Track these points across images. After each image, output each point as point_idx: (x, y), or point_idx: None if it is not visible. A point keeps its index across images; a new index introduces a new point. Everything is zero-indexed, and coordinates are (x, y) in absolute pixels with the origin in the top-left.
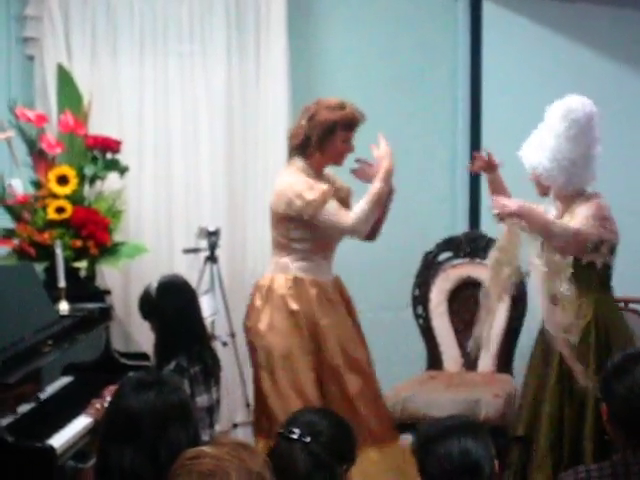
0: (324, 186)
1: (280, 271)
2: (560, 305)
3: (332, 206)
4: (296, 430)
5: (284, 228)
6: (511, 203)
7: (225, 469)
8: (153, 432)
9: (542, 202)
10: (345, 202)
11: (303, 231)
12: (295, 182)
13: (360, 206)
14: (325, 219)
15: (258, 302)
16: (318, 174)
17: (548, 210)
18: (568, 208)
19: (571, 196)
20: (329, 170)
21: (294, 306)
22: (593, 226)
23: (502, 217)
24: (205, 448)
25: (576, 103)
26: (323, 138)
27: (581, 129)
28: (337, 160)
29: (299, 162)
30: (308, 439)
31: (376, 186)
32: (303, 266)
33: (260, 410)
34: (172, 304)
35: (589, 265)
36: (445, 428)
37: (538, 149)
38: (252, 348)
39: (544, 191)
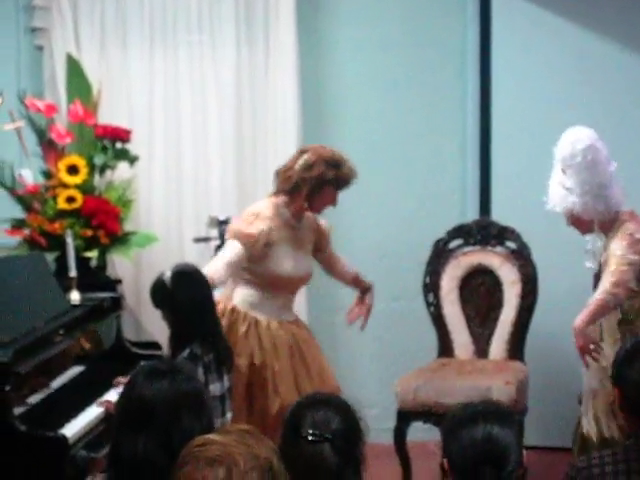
0: (258, 229)
1: (225, 297)
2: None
3: (226, 251)
4: (316, 431)
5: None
6: (578, 335)
7: (232, 455)
8: (166, 420)
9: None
10: (320, 244)
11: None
12: (252, 209)
13: (212, 269)
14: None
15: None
16: (296, 217)
17: (594, 244)
18: (608, 239)
19: (610, 223)
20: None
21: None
22: (630, 262)
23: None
24: (212, 435)
25: (578, 134)
26: (313, 192)
27: (593, 154)
28: (317, 211)
29: (280, 200)
30: (330, 436)
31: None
32: (245, 298)
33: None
34: (187, 293)
35: None
36: (473, 413)
37: (563, 194)
38: None
39: (587, 229)
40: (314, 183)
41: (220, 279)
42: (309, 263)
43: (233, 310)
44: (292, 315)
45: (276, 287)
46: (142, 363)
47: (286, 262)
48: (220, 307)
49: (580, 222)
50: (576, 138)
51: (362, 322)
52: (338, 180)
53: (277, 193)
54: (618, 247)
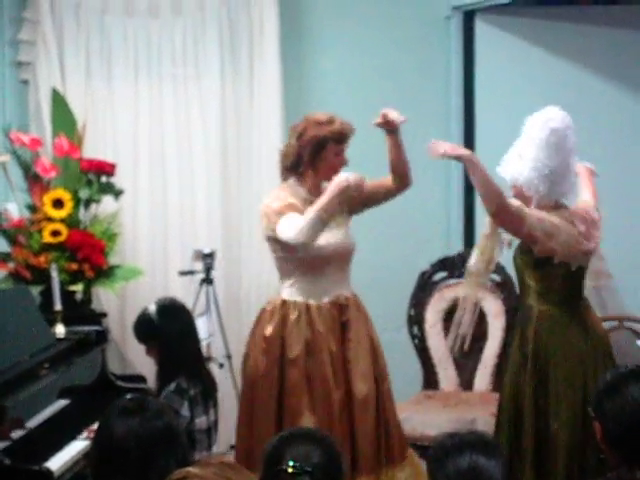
0: (289, 200)
1: (275, 294)
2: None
3: (286, 219)
4: (296, 464)
5: (272, 249)
6: (463, 149)
7: None
8: (141, 459)
9: None
10: (353, 199)
11: (284, 249)
12: (269, 198)
13: (304, 217)
14: (279, 234)
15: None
16: (313, 193)
17: None
18: None
19: (547, 208)
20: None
21: (268, 331)
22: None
23: (446, 156)
24: (191, 468)
25: (554, 113)
26: (315, 155)
27: (559, 138)
28: (331, 176)
29: (291, 182)
30: (310, 469)
31: (322, 201)
32: (291, 288)
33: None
34: (173, 326)
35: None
36: (459, 443)
37: (517, 161)
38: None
39: (526, 204)
40: (313, 146)
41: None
42: (345, 233)
43: (283, 303)
44: (348, 290)
45: (316, 267)
46: (113, 403)
47: (292, 223)
48: (269, 309)
49: (520, 195)
50: (550, 117)
51: None
52: (334, 134)
53: (284, 178)
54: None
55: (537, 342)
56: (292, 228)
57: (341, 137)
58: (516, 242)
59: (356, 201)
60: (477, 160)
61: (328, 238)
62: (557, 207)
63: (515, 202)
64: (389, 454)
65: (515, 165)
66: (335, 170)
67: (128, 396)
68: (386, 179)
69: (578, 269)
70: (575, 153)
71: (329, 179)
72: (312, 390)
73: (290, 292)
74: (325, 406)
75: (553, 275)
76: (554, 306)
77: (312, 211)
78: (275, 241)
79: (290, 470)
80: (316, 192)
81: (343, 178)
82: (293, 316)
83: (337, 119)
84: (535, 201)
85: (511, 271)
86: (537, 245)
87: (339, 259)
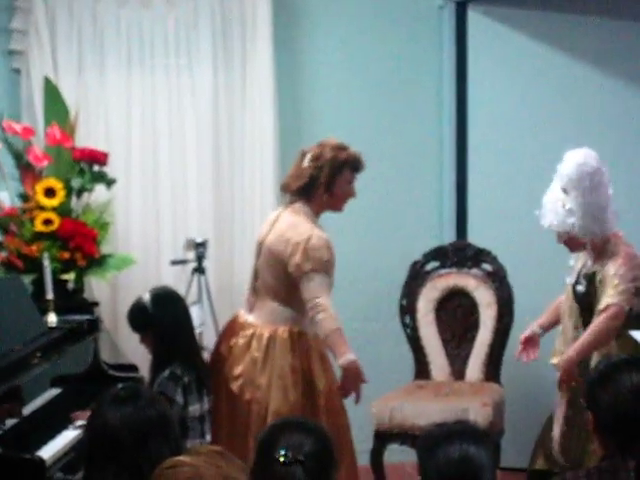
0: (330, 252)
1: (282, 322)
2: None
3: (325, 280)
4: (288, 453)
5: (285, 277)
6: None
7: (203, 476)
8: (134, 448)
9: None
10: None
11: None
12: (314, 235)
13: (330, 312)
14: (308, 285)
15: (256, 353)
16: (318, 216)
17: (576, 262)
18: (599, 259)
19: (601, 243)
20: None
21: (297, 362)
22: (625, 290)
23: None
24: (183, 457)
25: (582, 157)
26: (332, 177)
27: (599, 176)
28: (340, 204)
29: (301, 204)
30: (302, 458)
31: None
32: (303, 319)
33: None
34: (168, 314)
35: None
36: (449, 432)
37: (562, 213)
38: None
39: (579, 248)
40: (330, 167)
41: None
42: None
43: (299, 333)
44: None
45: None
46: (105, 392)
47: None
48: (284, 336)
49: (574, 242)
50: (584, 161)
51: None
52: (351, 160)
53: (292, 200)
54: (613, 272)
55: None
56: (324, 295)
57: (358, 165)
58: None
59: None
60: (578, 353)
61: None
62: (607, 241)
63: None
64: None
65: (562, 216)
66: (345, 199)
67: (120, 385)
68: None
69: None
70: (610, 183)
71: (336, 208)
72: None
73: (302, 323)
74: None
75: None
76: None
77: (335, 327)
78: (294, 278)
79: (282, 459)
80: (319, 215)
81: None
82: (313, 346)
83: (350, 147)
84: (590, 241)
85: (503, 261)
86: None
87: None
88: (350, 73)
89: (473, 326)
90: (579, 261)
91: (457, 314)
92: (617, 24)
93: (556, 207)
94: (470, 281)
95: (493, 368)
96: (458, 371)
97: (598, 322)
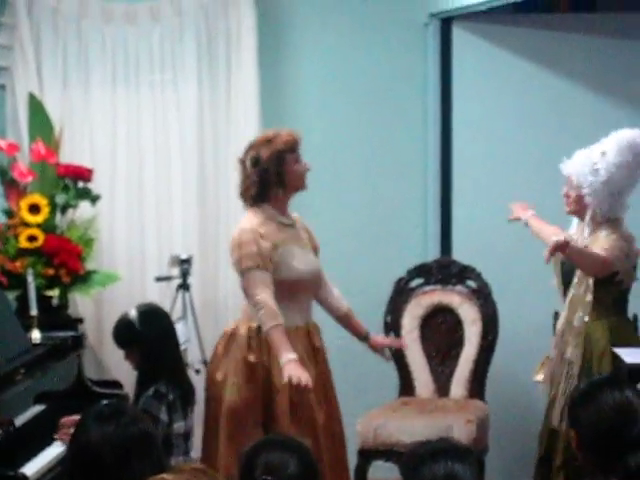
0: (266, 246)
1: (245, 319)
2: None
3: (258, 276)
4: (268, 478)
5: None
6: (559, 237)
7: None
8: (116, 465)
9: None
10: (314, 245)
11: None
12: (244, 229)
13: (269, 309)
14: (246, 283)
15: (220, 349)
16: (283, 212)
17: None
18: (595, 232)
19: (602, 220)
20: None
21: (252, 357)
22: (619, 255)
23: (553, 253)
24: (165, 475)
25: (636, 139)
26: (279, 170)
27: (637, 163)
28: (300, 184)
29: (264, 206)
30: None
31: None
32: None
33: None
34: (155, 331)
35: (606, 286)
36: (433, 450)
37: (587, 170)
38: (207, 395)
39: (578, 211)
40: (274, 164)
41: (274, 306)
42: (317, 260)
43: (258, 328)
44: (311, 318)
45: (292, 292)
46: (88, 409)
47: (296, 262)
48: (241, 332)
49: (577, 202)
50: (636, 142)
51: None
52: (287, 144)
53: (252, 205)
54: (605, 237)
55: None
56: (261, 295)
57: (294, 145)
58: None
59: None
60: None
61: (308, 262)
62: (608, 219)
63: (600, 252)
64: None
65: (585, 171)
66: (301, 176)
67: (104, 402)
68: (339, 303)
69: None
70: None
71: (299, 188)
72: (298, 417)
73: None
74: (310, 431)
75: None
76: None
77: (274, 324)
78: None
79: None
80: (284, 212)
81: (297, 376)
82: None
83: (282, 130)
84: (590, 213)
85: (488, 278)
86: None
87: (313, 284)
88: (335, 88)
89: (458, 343)
90: (575, 235)
91: (442, 331)
92: (601, 41)
93: (585, 161)
94: (455, 298)
95: (477, 385)
96: (442, 388)
97: (591, 251)
